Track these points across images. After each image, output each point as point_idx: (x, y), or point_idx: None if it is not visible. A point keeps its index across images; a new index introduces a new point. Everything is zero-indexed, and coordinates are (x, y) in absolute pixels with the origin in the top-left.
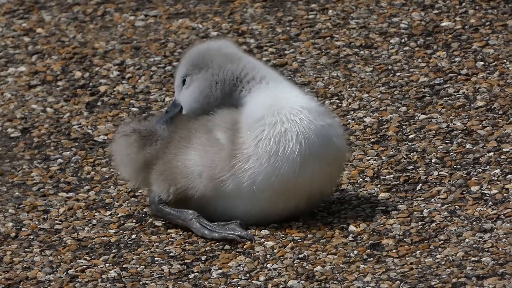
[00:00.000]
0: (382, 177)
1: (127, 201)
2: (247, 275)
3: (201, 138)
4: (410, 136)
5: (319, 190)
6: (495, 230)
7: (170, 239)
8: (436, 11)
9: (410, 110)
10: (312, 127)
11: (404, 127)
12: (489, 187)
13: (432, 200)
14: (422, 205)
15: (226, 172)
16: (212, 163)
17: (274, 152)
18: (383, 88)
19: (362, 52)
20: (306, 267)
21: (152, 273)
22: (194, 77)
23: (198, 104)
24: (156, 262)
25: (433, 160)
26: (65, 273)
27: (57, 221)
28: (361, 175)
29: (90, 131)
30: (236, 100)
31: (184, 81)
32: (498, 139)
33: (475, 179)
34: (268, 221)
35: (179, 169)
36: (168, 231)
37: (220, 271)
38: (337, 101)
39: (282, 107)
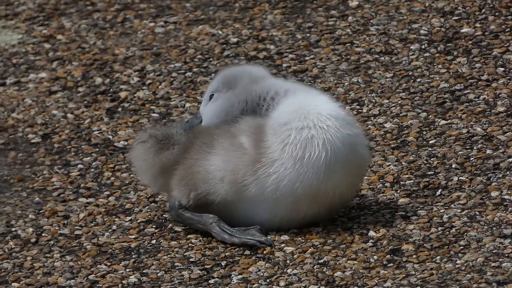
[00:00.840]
0: (402, 183)
1: (147, 207)
2: (267, 280)
3: (224, 143)
4: (430, 142)
5: (340, 198)
6: None
7: (190, 244)
8: (456, 18)
9: (430, 116)
10: (339, 135)
11: (424, 132)
12: (509, 192)
13: (452, 205)
14: (442, 211)
15: (249, 176)
16: (235, 168)
17: (299, 158)
18: (403, 94)
19: (382, 58)
20: (326, 272)
21: (172, 279)
22: (221, 94)
23: (217, 120)
24: (176, 268)
25: (453, 166)
26: (85, 278)
27: (77, 227)
28: (381, 180)
29: (110, 136)
30: (262, 116)
31: (211, 96)
32: None
33: (495, 185)
34: (289, 227)
35: (201, 175)
36: (188, 236)
37: (240, 276)
38: (358, 107)
39: (309, 112)
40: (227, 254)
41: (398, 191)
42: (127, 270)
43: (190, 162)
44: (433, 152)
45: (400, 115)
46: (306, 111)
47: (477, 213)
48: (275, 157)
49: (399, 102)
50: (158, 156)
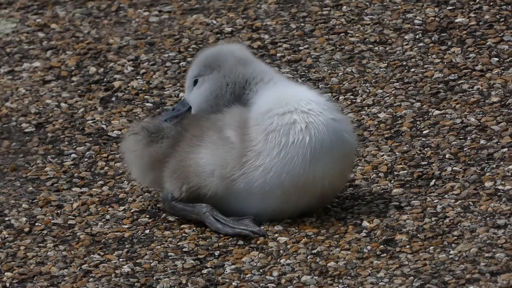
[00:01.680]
0: (395, 173)
1: (141, 196)
2: (261, 270)
3: (213, 136)
4: (424, 132)
5: (331, 186)
6: (509, 226)
7: (183, 234)
8: (450, 7)
9: (424, 106)
10: (321, 119)
11: (418, 122)
12: (503, 182)
13: (446, 195)
14: (435, 201)
15: (237, 170)
16: (223, 162)
17: (284, 145)
18: (397, 84)
19: (376, 48)
20: (320, 262)
21: (165, 268)
22: (206, 77)
23: (207, 105)
24: (170, 257)
25: (447, 156)
26: (78, 268)
27: (70, 216)
28: (374, 170)
29: (104, 126)
30: (244, 102)
31: (195, 82)
32: None
33: (489, 175)
34: (282, 218)
35: (192, 168)
36: (182, 226)
37: (233, 266)
38: (351, 96)
39: (289, 99)
40: (220, 244)
41: (392, 181)
42: (120, 259)
43: (181, 154)
44: (426, 142)
45: (394, 105)
46: (286, 98)
47: (470, 203)
48: (260, 148)
49: (393, 92)
50: (147, 149)
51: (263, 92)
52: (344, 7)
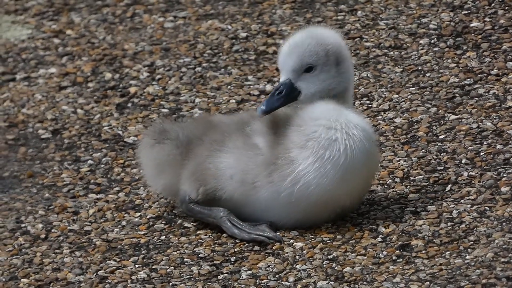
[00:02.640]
0: (411, 178)
1: (157, 202)
2: (277, 276)
3: (237, 141)
4: (440, 137)
5: (352, 205)
6: None
7: (199, 240)
8: (465, 12)
9: (440, 111)
10: (360, 146)
11: (434, 127)
12: None
13: (462, 201)
14: (451, 206)
15: (263, 178)
16: (246, 167)
17: (320, 157)
18: (413, 88)
19: (391, 53)
20: (336, 268)
21: (181, 274)
22: (325, 68)
23: (318, 96)
24: (186, 263)
25: (463, 161)
26: (94, 274)
27: (86, 223)
28: (390, 176)
29: (120, 132)
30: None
31: (309, 68)
32: None
33: (505, 180)
34: (299, 226)
35: (211, 171)
36: (198, 232)
37: (249, 272)
38: (367, 101)
39: (340, 117)
40: (236, 249)
41: (408, 186)
42: (137, 265)
43: (200, 158)
44: (443, 147)
45: (410, 110)
46: (338, 114)
47: (486, 208)
48: (293, 156)
49: (409, 97)
50: (152, 150)
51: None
52: (359, 12)
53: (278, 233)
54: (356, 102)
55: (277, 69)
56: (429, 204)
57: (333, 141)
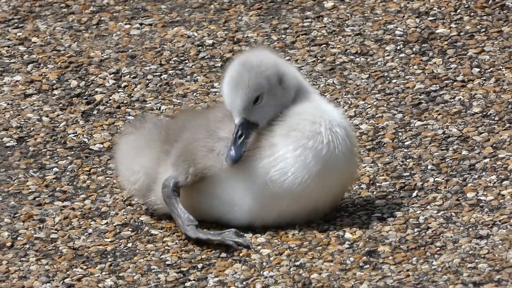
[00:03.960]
0: (378, 184)
1: (123, 210)
2: (244, 282)
3: (225, 129)
4: (406, 143)
5: (326, 203)
6: (491, 236)
7: (166, 247)
8: (431, 18)
9: (406, 117)
10: (342, 143)
11: (400, 134)
12: (485, 193)
13: (428, 206)
14: (418, 212)
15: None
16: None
17: (302, 145)
18: (379, 95)
19: (357, 59)
20: (303, 274)
21: (148, 282)
22: (271, 92)
23: (273, 117)
24: (153, 271)
25: (429, 167)
26: (61, 282)
27: (53, 230)
28: (357, 182)
29: (86, 139)
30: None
31: (257, 99)
32: (494, 145)
33: (471, 186)
34: (268, 219)
35: (200, 152)
36: (164, 239)
37: (216, 279)
38: None
39: (324, 113)
40: (203, 256)
41: (374, 192)
42: (103, 273)
43: (187, 141)
44: (408, 153)
45: (376, 116)
46: (322, 112)
47: (453, 214)
48: (275, 141)
49: (375, 103)
50: (129, 136)
51: (300, 101)
52: (325, 18)
53: (246, 238)
54: None
55: None
56: (395, 210)
57: (317, 134)
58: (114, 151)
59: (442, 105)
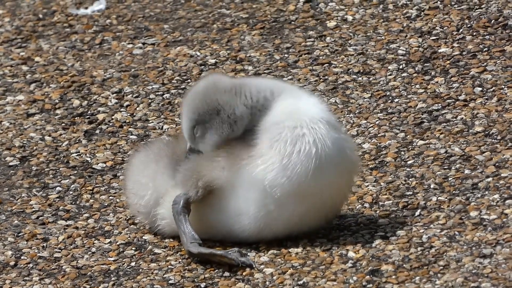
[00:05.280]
0: (381, 203)
1: (126, 229)
2: None
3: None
4: (408, 162)
5: (331, 199)
6: (495, 255)
7: (169, 266)
8: (433, 38)
9: (408, 136)
10: (329, 136)
11: (402, 153)
12: (488, 212)
13: (431, 225)
14: (421, 231)
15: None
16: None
17: (288, 154)
18: (381, 114)
19: (360, 78)
20: None
21: None
22: (207, 124)
23: (220, 144)
24: None
25: (431, 186)
26: None
27: (56, 249)
28: (360, 201)
29: (88, 159)
30: (257, 122)
31: (195, 131)
32: (497, 164)
33: (474, 205)
34: (277, 226)
35: (205, 167)
36: (168, 258)
37: None
38: None
39: (302, 114)
40: (206, 275)
41: (377, 211)
42: None
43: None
44: (411, 172)
45: (378, 135)
46: (300, 113)
47: (456, 233)
48: (263, 153)
49: (377, 122)
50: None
51: (275, 105)
52: (328, 38)
53: (249, 257)
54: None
55: None
56: (398, 229)
57: (300, 137)
58: (124, 170)
59: (444, 124)
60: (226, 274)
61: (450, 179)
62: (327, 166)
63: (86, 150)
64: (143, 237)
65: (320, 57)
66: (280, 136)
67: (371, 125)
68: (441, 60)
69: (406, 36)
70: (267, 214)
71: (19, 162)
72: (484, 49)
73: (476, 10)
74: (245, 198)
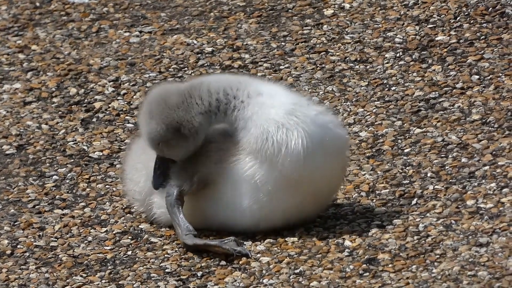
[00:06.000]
0: (377, 192)
1: (123, 218)
2: None
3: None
4: (405, 150)
5: (326, 184)
6: (491, 244)
7: (166, 255)
8: (430, 26)
9: (405, 124)
10: (308, 120)
11: (399, 141)
12: (485, 201)
13: (428, 214)
14: (417, 220)
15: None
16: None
17: (275, 149)
18: (378, 102)
19: (357, 66)
20: (302, 282)
21: None
22: (171, 141)
23: (191, 153)
24: (152, 279)
25: (428, 174)
26: None
27: (52, 238)
28: (356, 189)
29: (85, 147)
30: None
31: (160, 147)
32: (494, 152)
33: (471, 193)
34: (273, 219)
35: (200, 158)
36: (164, 247)
37: (216, 287)
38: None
39: (279, 107)
40: (203, 264)
41: (374, 200)
42: (103, 281)
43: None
44: (408, 160)
45: (375, 123)
46: (275, 105)
47: (452, 221)
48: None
49: (374, 110)
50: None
51: (250, 101)
52: (325, 26)
53: (244, 247)
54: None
55: None
56: (395, 218)
57: (285, 136)
58: (123, 155)
59: (442, 112)
60: (223, 263)
61: (447, 167)
62: (316, 151)
63: (83, 139)
64: (139, 226)
65: (317, 45)
66: (264, 133)
67: (368, 113)
68: (438, 48)
69: (403, 24)
70: (261, 208)
71: (15, 151)
72: (482, 37)
73: None
74: (239, 193)
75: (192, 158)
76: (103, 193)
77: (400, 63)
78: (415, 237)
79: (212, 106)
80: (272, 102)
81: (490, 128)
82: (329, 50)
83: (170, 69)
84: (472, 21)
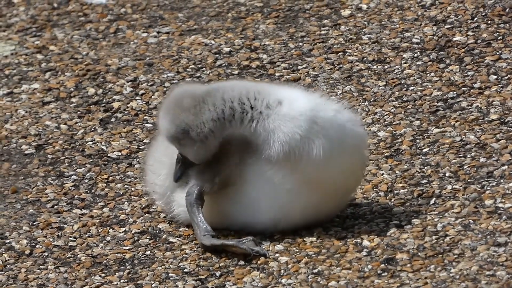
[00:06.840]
0: (396, 192)
1: (141, 217)
2: None
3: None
4: (423, 150)
5: (344, 183)
6: (509, 244)
7: (184, 255)
8: (448, 26)
9: (423, 124)
10: (328, 125)
11: (417, 141)
12: (503, 200)
13: (446, 214)
14: (436, 219)
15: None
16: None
17: (298, 161)
18: (396, 102)
19: (375, 67)
20: (321, 282)
21: None
22: (181, 141)
23: (204, 156)
24: (171, 278)
25: (447, 174)
26: None
27: (71, 238)
28: (374, 189)
29: (104, 147)
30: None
31: (179, 157)
32: None
33: (489, 193)
34: (292, 219)
35: (221, 160)
36: (182, 247)
37: (234, 286)
38: None
39: (297, 128)
40: (221, 264)
41: (392, 200)
42: (122, 281)
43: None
44: (426, 160)
45: (393, 123)
46: (295, 128)
47: (471, 221)
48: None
49: (392, 110)
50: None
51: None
52: (343, 26)
53: (263, 247)
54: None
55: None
56: (413, 217)
57: (303, 142)
58: (148, 147)
59: (460, 112)
60: (241, 262)
61: (465, 167)
62: (335, 151)
63: (102, 139)
64: (158, 226)
65: (335, 46)
66: (286, 146)
67: (386, 113)
68: (455, 48)
69: (421, 24)
70: (280, 207)
71: (34, 151)
72: (499, 38)
73: None
74: (259, 194)
75: (213, 159)
76: (121, 193)
77: (418, 63)
78: (433, 237)
79: (226, 114)
80: (293, 113)
81: (508, 128)
82: (346, 50)
83: (188, 69)
84: (489, 22)
